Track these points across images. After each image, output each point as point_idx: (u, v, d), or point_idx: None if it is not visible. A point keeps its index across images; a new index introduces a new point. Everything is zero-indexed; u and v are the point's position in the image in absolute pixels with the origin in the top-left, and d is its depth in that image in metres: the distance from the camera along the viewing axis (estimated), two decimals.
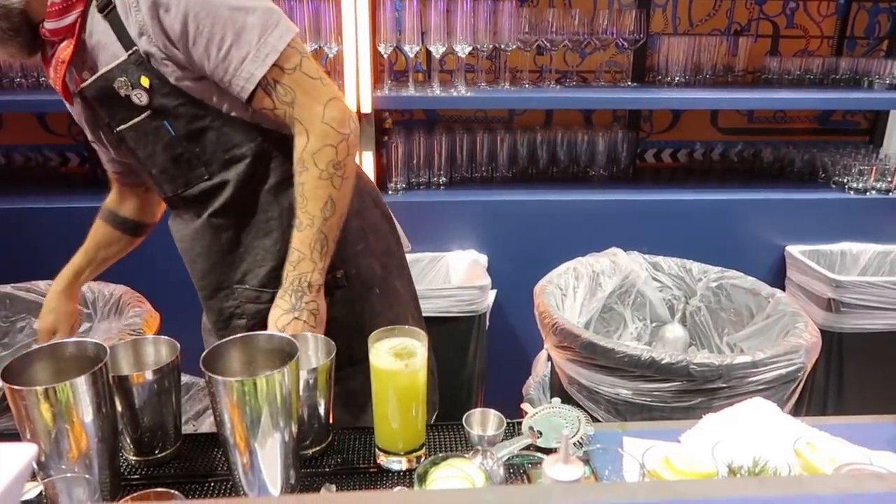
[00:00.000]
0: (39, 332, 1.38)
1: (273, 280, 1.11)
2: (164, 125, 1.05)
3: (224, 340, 0.90)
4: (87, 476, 0.80)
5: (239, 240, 1.14)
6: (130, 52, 1.00)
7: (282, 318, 1.01)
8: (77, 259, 1.38)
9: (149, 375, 0.92)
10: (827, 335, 1.96)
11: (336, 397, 1.07)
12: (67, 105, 1.17)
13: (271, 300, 1.06)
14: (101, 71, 1.02)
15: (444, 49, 2.18)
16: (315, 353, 1.01)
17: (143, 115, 1.04)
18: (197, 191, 1.11)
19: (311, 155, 1.01)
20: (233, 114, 1.06)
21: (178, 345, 0.98)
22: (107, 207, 1.38)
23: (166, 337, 1.00)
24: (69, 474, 0.80)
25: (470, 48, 2.20)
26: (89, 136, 1.20)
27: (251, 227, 1.13)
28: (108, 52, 1.02)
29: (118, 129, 1.08)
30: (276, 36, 0.99)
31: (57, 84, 1.07)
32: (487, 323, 2.07)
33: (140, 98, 1.02)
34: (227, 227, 1.13)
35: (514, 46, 2.30)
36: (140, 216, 1.39)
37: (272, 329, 1.00)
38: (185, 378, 1.76)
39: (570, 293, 1.87)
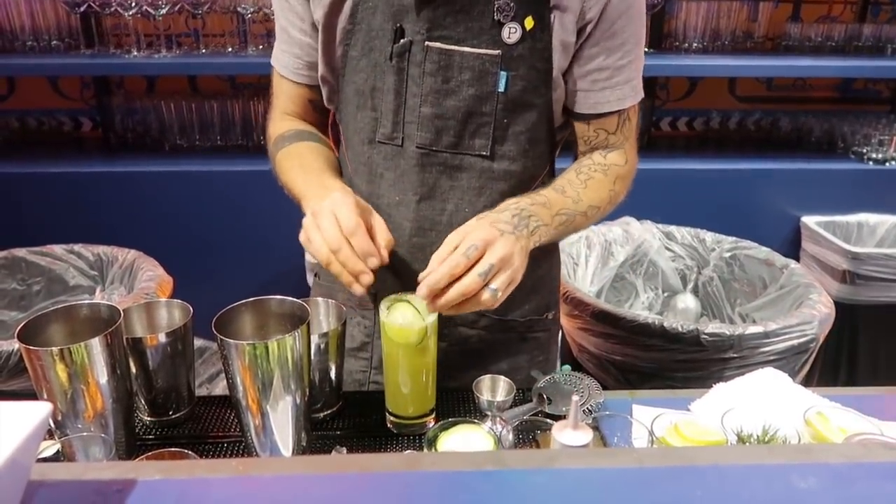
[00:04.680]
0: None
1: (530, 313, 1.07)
2: (499, 75, 0.91)
3: (236, 304, 0.91)
4: (102, 435, 0.82)
5: None
6: None
7: (500, 224, 0.83)
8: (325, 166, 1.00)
9: (162, 338, 0.93)
10: (841, 307, 1.94)
11: None
12: None
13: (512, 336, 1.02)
14: None
15: None
16: (326, 317, 1.02)
17: (492, 51, 0.90)
18: (456, 161, 0.95)
19: (619, 177, 1.00)
20: (556, 109, 0.97)
21: (191, 308, 0.99)
22: (304, 130, 1.06)
23: (179, 300, 1.01)
24: (85, 433, 0.82)
25: None
26: (321, 27, 0.96)
27: None
28: None
29: (433, 44, 0.90)
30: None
31: None
32: None
33: (511, 35, 0.89)
34: None
35: None
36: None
37: (472, 230, 0.82)
38: (199, 342, 1.79)
39: (583, 262, 1.86)
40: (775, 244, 1.97)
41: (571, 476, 0.54)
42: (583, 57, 0.94)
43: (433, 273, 0.80)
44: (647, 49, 2.50)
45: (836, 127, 2.50)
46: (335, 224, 0.82)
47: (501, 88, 0.92)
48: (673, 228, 2.00)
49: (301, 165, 0.99)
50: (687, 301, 1.94)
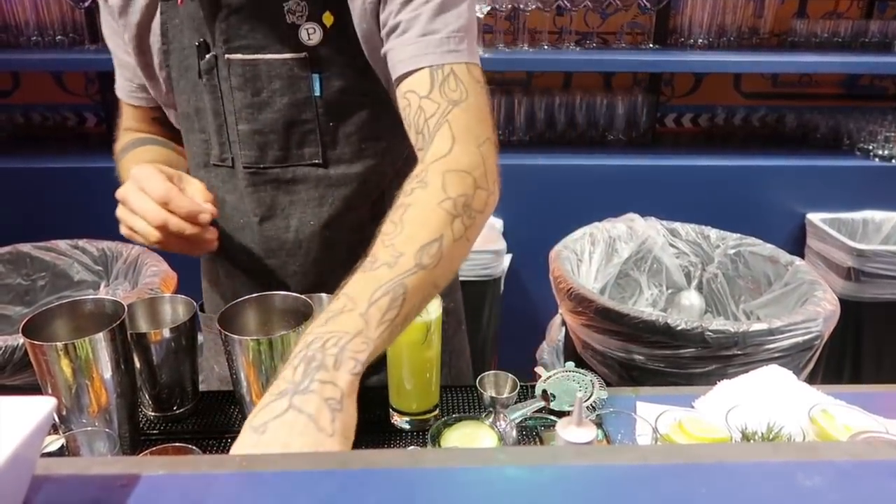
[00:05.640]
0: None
1: None
2: (310, 78, 0.84)
3: (240, 300, 0.91)
4: (107, 430, 0.82)
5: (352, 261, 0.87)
6: None
7: (261, 413, 0.58)
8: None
9: (166, 333, 0.93)
10: (846, 304, 1.93)
11: None
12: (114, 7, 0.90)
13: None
14: None
15: None
16: None
17: (298, 55, 0.83)
18: (288, 175, 0.89)
19: (443, 172, 0.72)
20: (394, 96, 0.84)
21: (195, 303, 0.99)
22: (146, 137, 1.02)
23: (183, 296, 1.01)
24: (90, 428, 0.82)
25: (488, 8, 2.16)
26: (133, 51, 0.92)
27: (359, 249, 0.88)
28: None
29: (233, 56, 0.84)
30: (473, 40, 0.81)
31: None
32: (502, 287, 2.07)
33: (311, 35, 0.83)
34: (337, 242, 0.92)
35: (534, 6, 2.26)
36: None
37: (244, 435, 0.58)
38: (202, 339, 1.78)
39: (586, 258, 1.86)
40: (780, 241, 1.96)
41: (575, 473, 0.54)
42: (381, 22, 0.83)
43: None
44: (652, 45, 2.49)
45: (842, 123, 2.49)
46: (147, 199, 0.77)
47: (317, 93, 0.85)
48: (677, 225, 2.00)
49: (130, 168, 0.88)
50: (691, 298, 1.94)
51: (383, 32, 0.83)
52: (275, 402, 0.58)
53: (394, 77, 0.82)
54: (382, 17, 0.82)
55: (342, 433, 0.58)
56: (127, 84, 1.02)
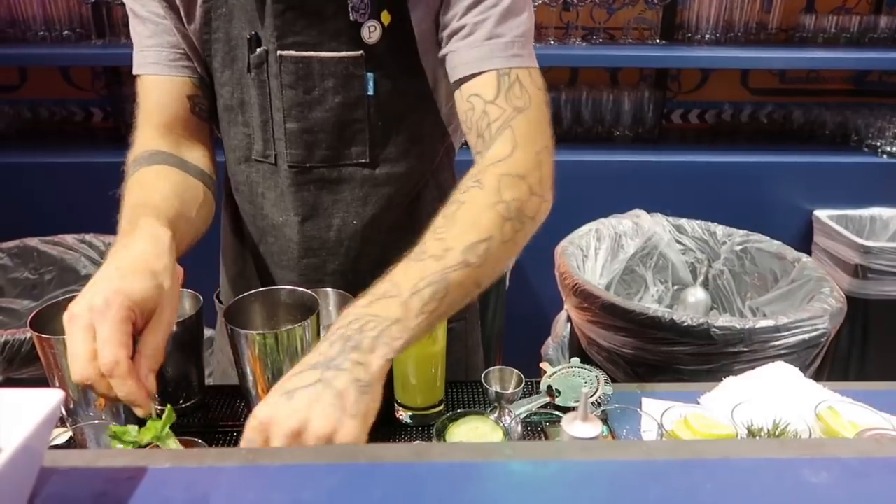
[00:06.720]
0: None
1: None
2: (365, 77, 0.84)
3: (246, 294, 0.91)
4: (113, 423, 0.82)
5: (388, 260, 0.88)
6: None
7: (292, 380, 0.61)
8: (159, 211, 0.78)
9: (172, 327, 0.93)
10: (853, 301, 1.93)
11: None
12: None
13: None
14: None
15: None
16: (336, 308, 1.02)
17: (352, 53, 0.83)
18: (334, 174, 0.89)
19: (500, 175, 0.75)
20: (439, 97, 0.87)
21: (202, 298, 0.99)
22: (160, 151, 0.88)
23: (189, 290, 1.01)
24: (97, 421, 0.82)
25: None
26: (171, 46, 0.87)
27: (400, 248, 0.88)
28: None
29: (286, 53, 0.83)
30: (532, 45, 0.82)
31: None
32: (507, 283, 2.07)
33: (371, 33, 0.82)
34: (376, 242, 0.92)
35: (540, 1, 2.25)
36: (211, 166, 0.94)
37: (273, 396, 0.61)
38: (210, 332, 1.79)
39: (592, 254, 1.86)
40: (787, 238, 1.95)
41: (580, 468, 0.54)
42: (442, 23, 0.84)
43: None
44: (658, 41, 2.48)
45: (850, 120, 2.47)
46: (87, 351, 0.64)
47: (370, 92, 0.85)
48: (683, 221, 1.99)
49: (133, 198, 0.81)
50: (697, 294, 1.93)
51: (444, 34, 0.83)
52: (306, 373, 0.60)
53: (455, 78, 0.82)
54: (445, 18, 0.82)
55: (363, 416, 0.59)
56: (170, 52, 0.89)
